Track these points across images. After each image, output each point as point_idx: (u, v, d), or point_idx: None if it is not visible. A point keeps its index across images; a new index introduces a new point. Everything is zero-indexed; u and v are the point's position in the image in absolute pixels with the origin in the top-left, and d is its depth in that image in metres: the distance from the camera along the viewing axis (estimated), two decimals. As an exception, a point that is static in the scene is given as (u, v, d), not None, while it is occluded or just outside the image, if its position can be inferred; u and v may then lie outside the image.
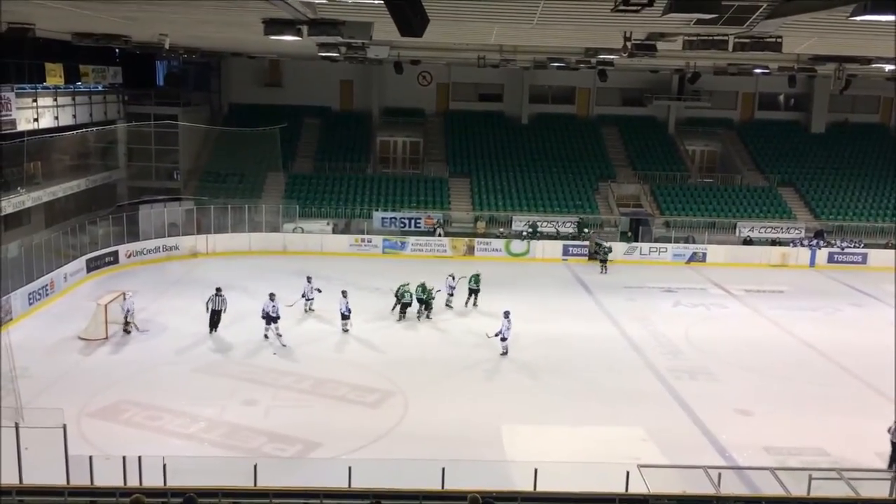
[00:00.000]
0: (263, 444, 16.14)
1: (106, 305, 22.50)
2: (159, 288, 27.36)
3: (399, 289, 25.52)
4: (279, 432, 16.60)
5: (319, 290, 25.27)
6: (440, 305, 26.14)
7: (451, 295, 26.75)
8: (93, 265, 29.43)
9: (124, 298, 22.96)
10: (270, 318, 22.53)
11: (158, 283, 28.44)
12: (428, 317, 25.42)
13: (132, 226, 32.63)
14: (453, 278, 26.95)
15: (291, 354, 21.45)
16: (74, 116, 35.15)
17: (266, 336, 22.61)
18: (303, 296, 25.38)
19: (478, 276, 27.17)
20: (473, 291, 27.02)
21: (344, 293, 23.81)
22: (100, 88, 37.79)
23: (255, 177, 39.32)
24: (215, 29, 21.87)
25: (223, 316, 23.19)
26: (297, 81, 44.56)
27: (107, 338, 22.23)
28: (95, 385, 18.82)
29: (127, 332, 22.71)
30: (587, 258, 33.94)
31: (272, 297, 22.80)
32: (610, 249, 34.35)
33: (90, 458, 12.53)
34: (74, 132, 34.87)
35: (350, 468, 11.87)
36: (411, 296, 25.37)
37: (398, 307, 25.43)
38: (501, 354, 21.96)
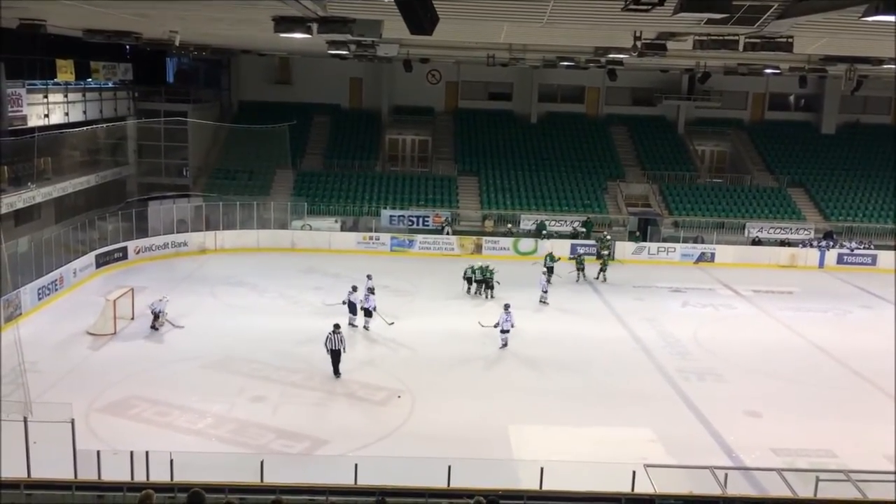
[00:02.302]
0: (271, 440, 16.19)
1: (115, 301, 22.61)
2: (168, 284, 27.45)
3: (466, 270, 28.74)
4: (287, 429, 16.65)
5: (373, 291, 24.62)
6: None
7: (545, 292, 27.74)
8: (102, 261, 29.57)
9: (160, 300, 23.21)
10: (355, 309, 23.59)
11: (167, 279, 28.55)
12: (490, 296, 27.70)
13: (141, 222, 32.76)
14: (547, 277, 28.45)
15: (301, 351, 21.48)
16: (85, 112, 35.33)
17: (353, 325, 23.50)
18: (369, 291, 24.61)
19: (483, 268, 28.65)
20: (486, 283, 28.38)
21: (370, 289, 24.14)
22: (110, 85, 37.97)
23: (264, 174, 39.41)
24: (226, 26, 21.93)
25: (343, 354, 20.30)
26: (306, 79, 44.64)
27: (115, 333, 22.35)
28: (104, 380, 18.91)
29: (155, 328, 22.81)
30: (595, 257, 33.81)
31: (355, 288, 24.01)
32: (612, 243, 34.08)
33: (98, 452, 12.61)
34: (85, 128, 35.04)
35: (356, 465, 11.90)
36: (473, 271, 28.39)
37: (467, 285, 28.50)
38: (501, 347, 22.31)
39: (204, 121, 40.23)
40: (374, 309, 23.65)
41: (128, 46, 35.83)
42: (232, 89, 45.50)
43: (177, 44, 25.09)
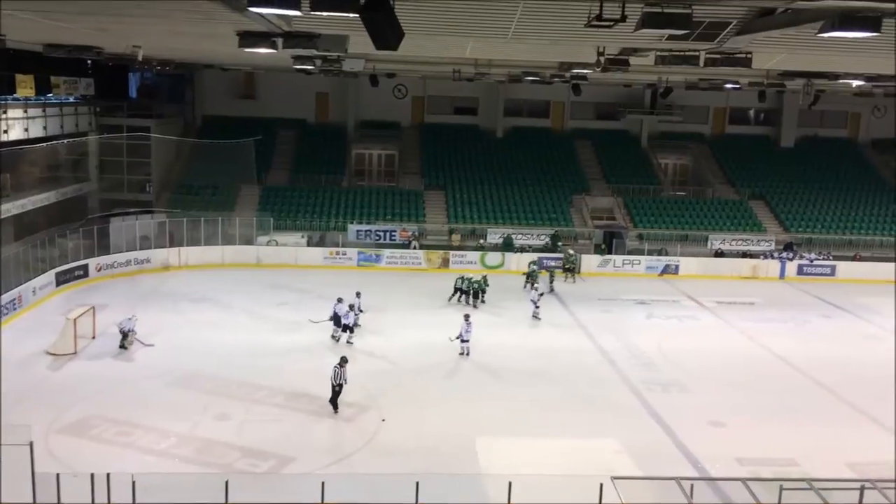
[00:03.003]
0: (236, 459, 15.96)
1: (75, 320, 22.19)
2: (130, 302, 27.03)
3: (457, 280, 29.46)
4: (252, 447, 16.43)
5: (362, 310, 25.22)
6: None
7: (538, 307, 27.74)
8: (62, 279, 29.02)
9: (129, 319, 22.82)
10: (338, 321, 23.59)
11: (130, 296, 28.11)
12: (474, 306, 28.58)
13: (103, 239, 32.22)
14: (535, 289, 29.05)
15: (265, 367, 21.25)
16: (45, 128, 34.75)
17: (334, 337, 23.71)
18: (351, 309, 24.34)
19: (469, 279, 29.66)
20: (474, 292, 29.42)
21: (351, 306, 24.16)
22: (71, 100, 37.40)
23: (228, 189, 39.08)
24: (189, 41, 21.79)
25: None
26: (272, 94, 44.47)
27: (76, 352, 21.91)
28: (64, 401, 18.51)
29: (124, 347, 22.41)
30: (562, 271, 34.10)
31: (340, 300, 23.99)
32: (576, 259, 34.67)
33: (57, 475, 12.34)
34: (45, 144, 34.45)
35: (323, 483, 11.78)
36: (463, 281, 29.23)
37: (454, 294, 29.19)
38: (460, 354, 22.78)
39: (167, 136, 39.84)
40: (355, 325, 23.97)
41: (89, 61, 35.38)
42: (196, 104, 45.14)
43: (139, 58, 24.91)
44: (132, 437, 16.77)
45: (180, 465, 15.53)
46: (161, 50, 28.03)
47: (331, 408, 18.40)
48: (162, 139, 39.38)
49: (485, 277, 29.82)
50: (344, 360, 18.71)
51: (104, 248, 31.99)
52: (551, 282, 32.16)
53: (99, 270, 30.95)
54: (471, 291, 29.16)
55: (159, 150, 39.70)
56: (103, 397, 18.93)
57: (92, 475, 12.18)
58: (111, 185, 39.30)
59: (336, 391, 18.49)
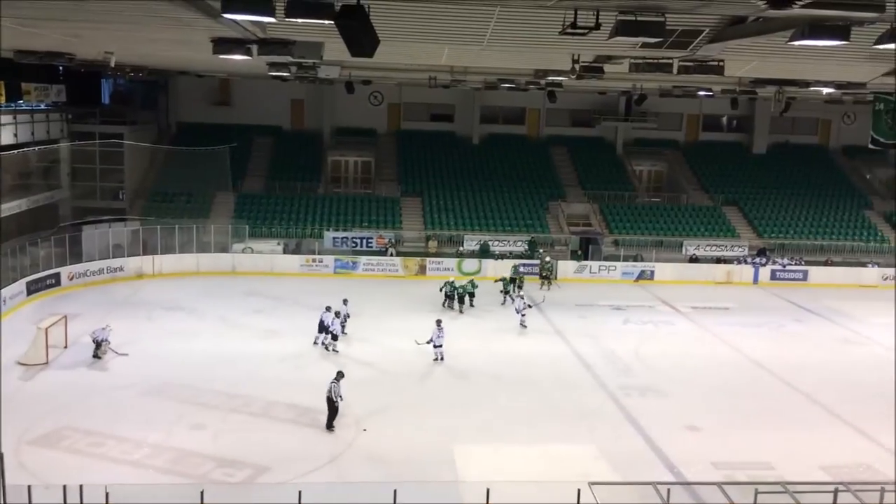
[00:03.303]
0: (211, 469, 15.78)
1: (46, 329, 21.87)
2: (104, 311, 26.70)
3: (444, 285, 29.84)
4: (228, 457, 16.26)
5: (348, 315, 25.17)
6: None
7: (524, 315, 27.54)
8: (34, 287, 28.60)
9: (102, 329, 22.47)
10: (324, 329, 23.55)
11: (103, 305, 27.77)
12: (460, 311, 29.07)
13: (75, 247, 31.82)
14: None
15: (241, 376, 21.07)
16: (16, 135, 34.25)
17: (319, 343, 23.69)
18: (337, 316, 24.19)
19: (451, 283, 29.96)
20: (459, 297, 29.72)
21: (337, 313, 24.08)
22: (43, 107, 36.94)
23: (203, 197, 38.78)
24: (163, 47, 21.62)
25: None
26: (247, 100, 44.25)
27: (47, 362, 21.59)
28: (36, 411, 18.21)
29: (98, 357, 22.10)
30: (538, 277, 34.21)
31: (328, 308, 23.93)
32: (552, 265, 34.75)
33: (29, 487, 12.13)
34: (16, 151, 33.96)
35: (300, 492, 11.69)
36: (449, 286, 29.56)
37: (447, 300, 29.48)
38: (434, 360, 22.79)
39: (141, 143, 39.47)
40: (341, 332, 23.91)
41: (61, 67, 34.97)
42: (170, 111, 44.82)
43: (112, 65, 24.61)
44: (105, 448, 16.54)
45: (154, 476, 15.34)
46: (134, 56, 27.77)
47: (307, 417, 18.27)
48: (135, 146, 39.01)
49: (472, 281, 30.17)
50: (340, 375, 18.02)
51: (76, 257, 31.60)
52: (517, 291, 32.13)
53: (71, 279, 30.54)
54: (455, 296, 29.41)
55: (133, 157, 39.33)
56: (76, 407, 18.66)
57: (64, 487, 11.99)
58: (83, 193, 38.83)
59: (334, 409, 17.60)
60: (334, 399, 17.68)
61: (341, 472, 15.72)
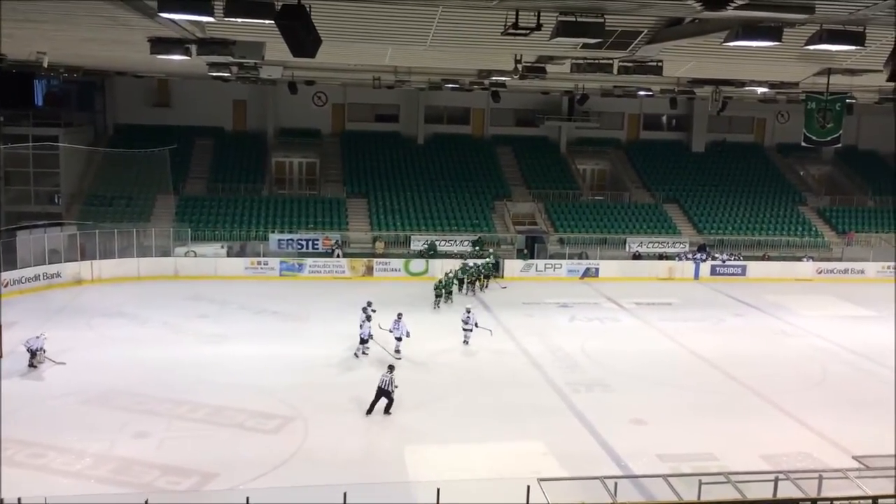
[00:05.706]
0: (156, 478, 15.45)
1: (-20, 338, 21.14)
2: (41, 318, 25.93)
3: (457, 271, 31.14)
4: (173, 465, 15.94)
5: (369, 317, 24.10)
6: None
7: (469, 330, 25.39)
8: (-35, 296, 27.62)
9: (37, 338, 21.75)
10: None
11: (40, 312, 26.95)
12: (451, 301, 30.18)
13: (9, 253, 30.79)
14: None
15: (187, 382, 20.68)
16: (-57, 138, 33.06)
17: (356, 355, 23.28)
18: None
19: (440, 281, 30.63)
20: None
21: (369, 318, 23.73)
22: (-29, 109, 35.69)
23: (143, 200, 37.95)
24: (98, 47, 21.08)
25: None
26: (187, 101, 43.47)
27: (-18, 373, 20.86)
28: (-31, 424, 17.58)
29: (34, 366, 21.39)
30: (482, 277, 34.30)
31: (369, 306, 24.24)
32: (494, 264, 34.86)
33: (-37, 503, 11.72)
34: (-56, 155, 32.79)
35: (248, 498, 11.53)
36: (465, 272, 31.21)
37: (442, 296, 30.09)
38: (396, 351, 23.07)
39: (76, 145, 38.40)
40: (370, 336, 23.15)
41: (-10, 68, 33.82)
42: (107, 112, 43.73)
43: (45, 65, 23.91)
44: (45, 459, 16.05)
45: (96, 486, 14.95)
46: (68, 56, 27.01)
47: (254, 422, 18.06)
48: (71, 149, 37.95)
49: (493, 254, 32.08)
50: (391, 368, 18.99)
51: (10, 263, 30.57)
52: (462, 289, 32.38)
53: (5, 286, 29.53)
54: (474, 280, 31.58)
55: (69, 160, 38.27)
56: (13, 418, 18.02)
57: (2, 500, 11.61)
58: (17, 197, 37.59)
59: (389, 397, 18.57)
60: (388, 389, 18.48)
61: (290, 475, 15.55)
